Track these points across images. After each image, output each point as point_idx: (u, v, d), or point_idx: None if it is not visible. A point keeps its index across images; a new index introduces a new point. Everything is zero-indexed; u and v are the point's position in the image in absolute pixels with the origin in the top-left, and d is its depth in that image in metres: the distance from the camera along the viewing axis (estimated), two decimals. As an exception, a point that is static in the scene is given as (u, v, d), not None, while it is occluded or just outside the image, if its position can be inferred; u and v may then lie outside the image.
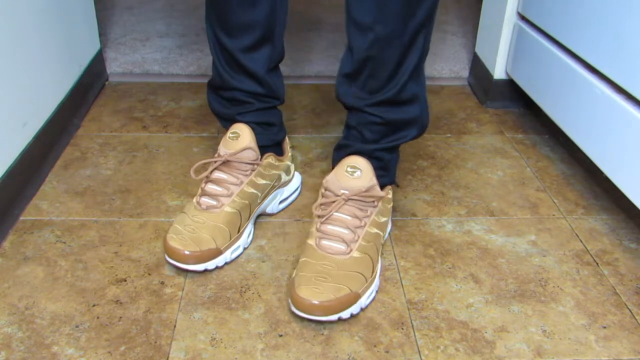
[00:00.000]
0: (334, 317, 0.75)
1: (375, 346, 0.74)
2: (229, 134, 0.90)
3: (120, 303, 0.79)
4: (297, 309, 0.75)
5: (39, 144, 1.05)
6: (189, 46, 1.62)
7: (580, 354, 0.74)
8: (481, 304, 0.81)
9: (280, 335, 0.75)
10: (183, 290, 0.82)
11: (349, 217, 0.82)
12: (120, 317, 0.77)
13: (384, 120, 0.83)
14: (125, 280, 0.83)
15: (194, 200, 0.88)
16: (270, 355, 0.72)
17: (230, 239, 0.85)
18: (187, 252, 0.81)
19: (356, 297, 0.77)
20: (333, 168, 0.86)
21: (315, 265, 0.78)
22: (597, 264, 0.89)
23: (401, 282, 0.84)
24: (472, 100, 1.43)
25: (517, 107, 1.38)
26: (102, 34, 1.63)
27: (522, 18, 1.27)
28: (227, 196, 0.87)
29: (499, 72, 1.36)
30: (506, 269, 0.88)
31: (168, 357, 0.71)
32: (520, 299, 0.82)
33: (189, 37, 1.68)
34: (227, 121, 0.94)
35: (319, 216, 0.82)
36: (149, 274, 0.84)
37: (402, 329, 0.77)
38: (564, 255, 0.91)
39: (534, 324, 0.78)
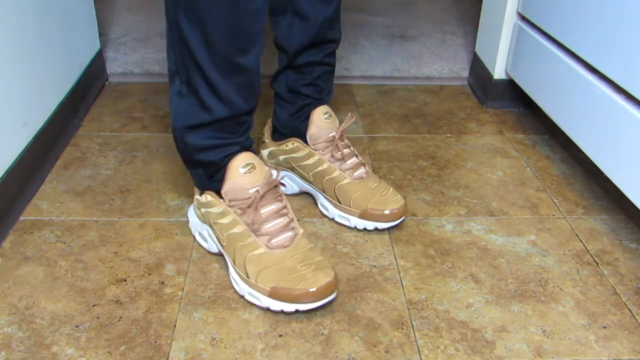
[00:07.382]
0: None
1: (375, 346, 0.74)
2: (240, 169, 0.81)
3: (120, 303, 0.79)
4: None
5: (39, 144, 1.05)
6: (189, 46, 1.62)
7: (580, 354, 0.74)
8: (481, 304, 0.81)
9: (280, 335, 0.75)
10: (183, 290, 0.82)
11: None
12: (120, 317, 0.77)
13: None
14: (125, 280, 0.83)
15: (261, 250, 0.79)
16: (270, 355, 0.72)
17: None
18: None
19: None
20: None
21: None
22: (597, 264, 0.89)
23: (401, 282, 0.84)
24: (472, 100, 1.43)
25: (517, 107, 1.38)
26: (102, 34, 1.63)
27: (522, 18, 1.27)
28: (292, 219, 0.82)
29: (499, 72, 1.36)
30: (506, 269, 0.88)
31: (168, 357, 0.71)
32: (520, 299, 0.82)
33: (189, 37, 1.68)
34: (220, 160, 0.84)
35: None
36: (149, 274, 0.84)
37: (402, 329, 0.77)
38: (564, 255, 0.91)
39: (534, 324, 0.78)
